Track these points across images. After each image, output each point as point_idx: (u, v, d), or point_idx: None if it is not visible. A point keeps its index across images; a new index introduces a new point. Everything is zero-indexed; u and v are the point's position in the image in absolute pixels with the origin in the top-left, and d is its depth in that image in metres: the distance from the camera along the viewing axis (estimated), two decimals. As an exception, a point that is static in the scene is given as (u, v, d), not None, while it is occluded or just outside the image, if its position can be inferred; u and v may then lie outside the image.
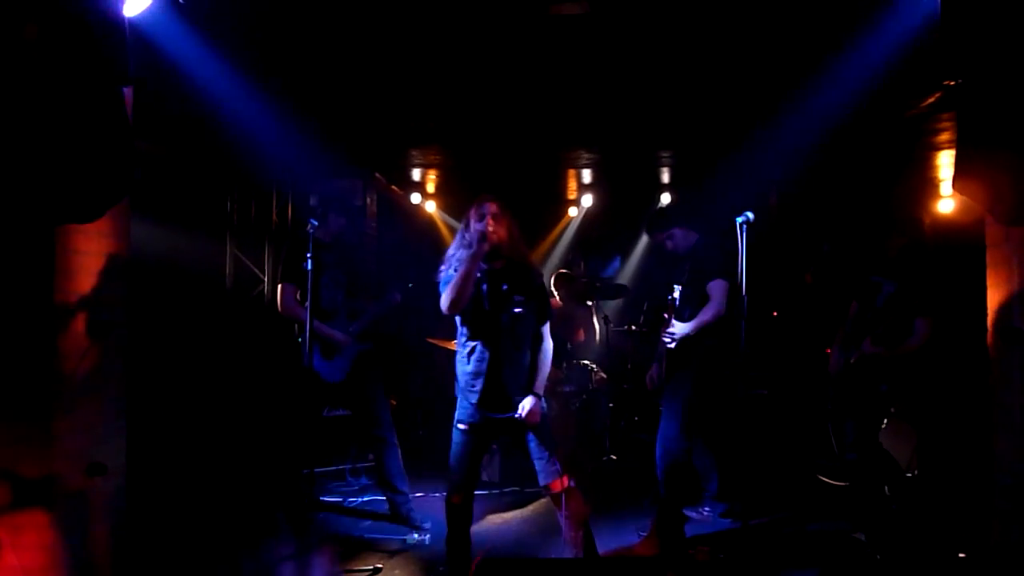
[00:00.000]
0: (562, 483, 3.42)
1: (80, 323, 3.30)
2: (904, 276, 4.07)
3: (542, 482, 3.45)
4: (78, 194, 2.90)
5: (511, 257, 3.45)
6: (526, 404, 3.38)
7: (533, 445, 3.44)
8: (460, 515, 3.54)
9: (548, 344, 3.56)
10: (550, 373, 3.60)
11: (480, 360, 3.42)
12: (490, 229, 3.31)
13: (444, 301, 3.37)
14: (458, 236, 3.48)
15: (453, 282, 3.33)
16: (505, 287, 3.43)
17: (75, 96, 2.88)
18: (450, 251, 3.50)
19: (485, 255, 3.33)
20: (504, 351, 3.41)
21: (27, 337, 3.11)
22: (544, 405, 3.49)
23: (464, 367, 3.47)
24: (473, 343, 3.45)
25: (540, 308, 3.51)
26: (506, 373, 3.41)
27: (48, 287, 3.12)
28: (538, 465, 3.44)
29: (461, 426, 3.50)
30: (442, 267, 3.48)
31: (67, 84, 2.86)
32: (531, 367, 3.49)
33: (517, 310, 3.42)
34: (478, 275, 3.38)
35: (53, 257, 3.13)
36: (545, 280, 3.59)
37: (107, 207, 3.07)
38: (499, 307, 3.42)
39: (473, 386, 3.43)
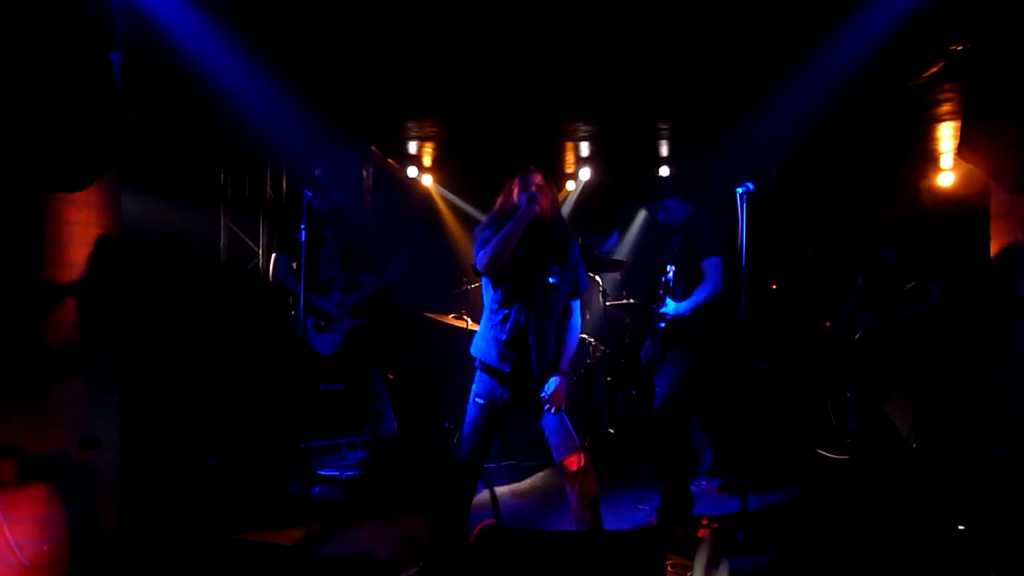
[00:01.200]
0: (579, 461, 3.36)
1: (70, 295, 3.25)
2: (909, 245, 4.05)
3: (558, 458, 3.39)
4: (66, 162, 2.85)
5: (551, 228, 3.42)
6: (552, 384, 3.35)
7: (550, 421, 3.39)
8: (465, 486, 3.47)
9: (576, 320, 3.52)
10: None
11: (515, 328, 3.35)
12: (540, 198, 3.31)
13: (484, 258, 3.31)
14: (498, 204, 3.48)
15: (497, 238, 3.27)
16: (542, 257, 3.39)
17: (61, 61, 2.81)
18: (485, 219, 3.48)
19: (530, 220, 3.30)
20: (536, 322, 3.36)
21: (16, 309, 3.08)
22: (566, 384, 3.43)
23: (498, 334, 3.38)
24: (506, 311, 3.37)
25: (573, 282, 3.47)
26: (535, 345, 3.36)
27: (37, 258, 3.08)
28: (554, 440, 3.39)
29: (479, 400, 3.44)
30: (478, 230, 3.46)
31: (53, 49, 2.80)
32: (558, 343, 3.44)
33: (551, 280, 3.38)
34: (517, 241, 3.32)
35: (42, 227, 3.09)
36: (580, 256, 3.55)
37: (96, 175, 3.02)
38: (535, 276, 3.37)
39: (507, 355, 3.35)
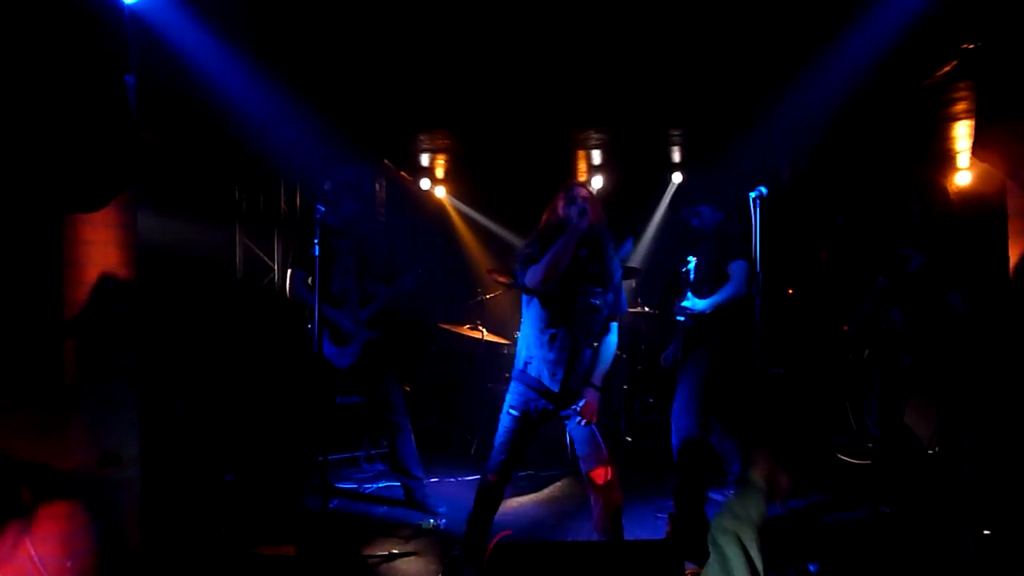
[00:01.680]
0: (606, 474, 3.38)
1: (90, 313, 3.29)
2: (933, 247, 4.00)
3: (585, 470, 3.42)
4: (82, 183, 2.88)
5: (599, 245, 3.42)
6: (585, 398, 3.40)
7: (580, 433, 3.44)
8: (492, 496, 3.52)
9: (613, 339, 3.53)
10: None
11: (564, 347, 3.36)
12: (589, 216, 3.30)
13: (537, 274, 3.28)
14: (543, 221, 3.47)
15: (550, 254, 3.25)
16: (587, 279, 3.41)
17: (77, 84, 2.85)
18: (531, 237, 3.48)
19: (580, 235, 3.28)
20: (577, 342, 3.39)
21: (37, 328, 3.11)
22: (599, 399, 3.46)
23: (545, 353, 3.39)
24: (555, 330, 3.38)
25: (615, 303, 3.48)
26: (575, 363, 3.40)
27: (56, 277, 3.11)
28: (582, 452, 3.44)
29: (513, 412, 3.46)
30: (522, 248, 3.46)
31: (69, 72, 2.84)
32: (592, 359, 3.46)
33: (595, 302, 3.40)
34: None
35: (60, 247, 3.12)
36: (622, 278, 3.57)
37: (112, 196, 3.05)
38: (578, 298, 3.38)
39: (555, 374, 3.37)
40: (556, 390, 3.39)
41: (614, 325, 3.54)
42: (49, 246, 3.11)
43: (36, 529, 3.10)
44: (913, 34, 4.13)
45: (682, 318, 4.25)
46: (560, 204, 3.41)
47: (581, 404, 3.40)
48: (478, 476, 5.56)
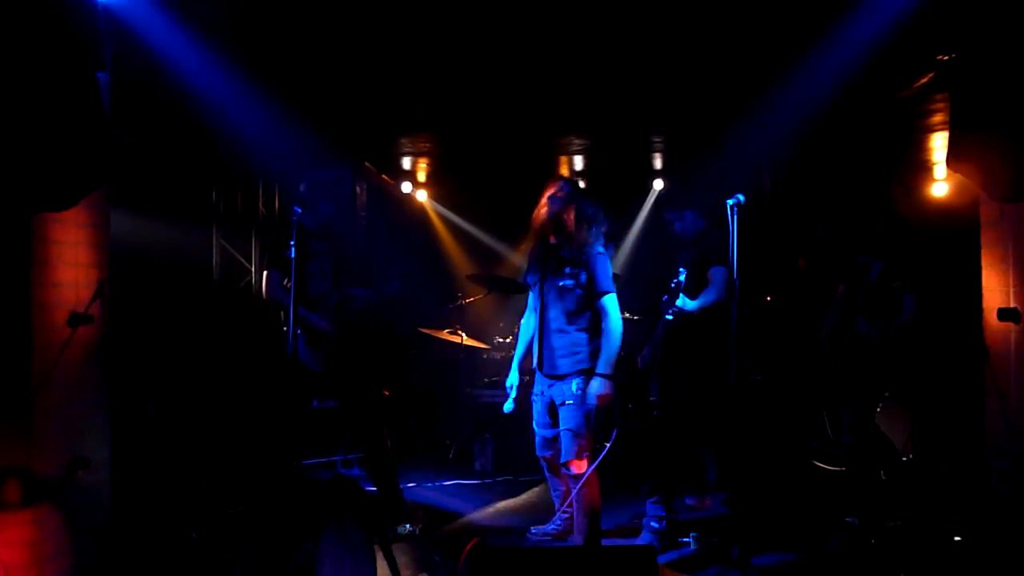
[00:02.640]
0: (580, 465, 3.53)
1: (59, 314, 3.24)
2: (889, 253, 4.11)
3: (563, 459, 3.58)
4: (52, 181, 2.85)
5: (568, 232, 3.61)
6: (592, 386, 3.54)
7: (565, 418, 3.57)
8: (551, 467, 3.87)
9: (611, 321, 3.59)
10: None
11: (540, 327, 3.71)
12: (541, 211, 3.65)
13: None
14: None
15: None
16: (558, 262, 3.66)
17: (48, 81, 2.81)
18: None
19: (539, 232, 3.68)
20: (551, 321, 3.65)
21: (3, 331, 3.05)
22: (607, 385, 3.55)
23: (528, 334, 3.87)
24: (536, 313, 3.77)
25: (591, 280, 3.60)
26: (553, 342, 3.63)
27: (24, 277, 3.06)
28: (563, 437, 3.59)
29: (534, 396, 3.82)
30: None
31: (40, 69, 2.80)
32: (593, 345, 3.61)
33: (565, 282, 3.61)
34: (540, 250, 3.77)
35: (29, 247, 3.07)
36: (605, 256, 3.75)
37: (83, 195, 3.01)
38: (551, 279, 3.66)
39: (533, 352, 3.74)
40: (534, 366, 3.73)
41: (606, 305, 3.60)
42: (17, 245, 3.05)
43: (2, 534, 3.04)
44: (890, 45, 4.17)
45: (670, 317, 4.23)
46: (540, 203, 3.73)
47: (586, 393, 3.54)
48: (456, 481, 5.58)
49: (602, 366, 3.55)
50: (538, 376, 3.78)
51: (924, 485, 4.71)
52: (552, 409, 3.73)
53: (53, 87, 2.77)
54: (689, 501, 4.76)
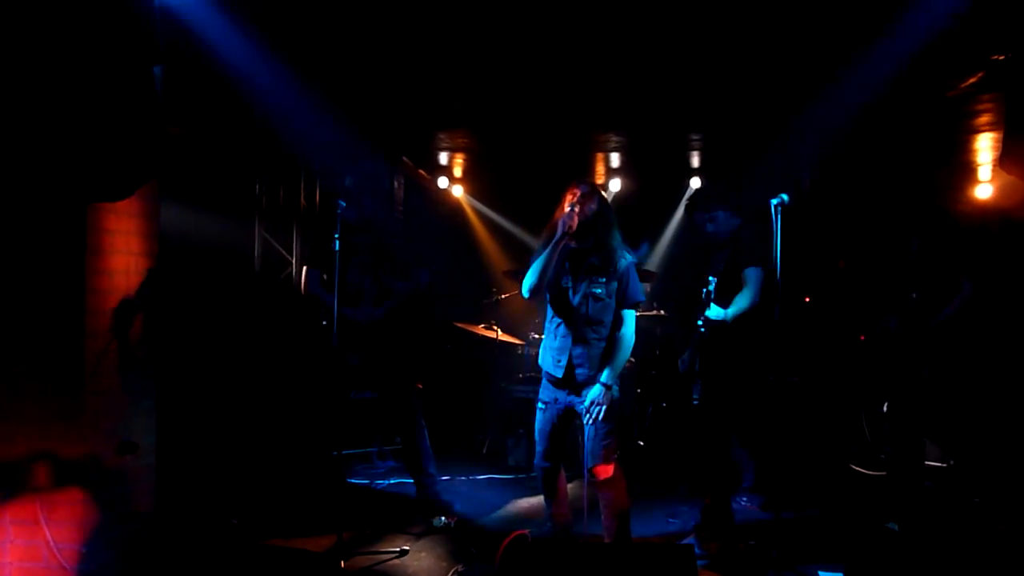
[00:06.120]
0: (606, 471, 3.46)
1: (111, 302, 3.32)
2: (927, 231, 4.01)
3: (588, 465, 3.49)
4: (109, 172, 2.92)
5: (598, 238, 3.50)
6: (591, 394, 3.45)
7: (589, 429, 3.49)
8: (550, 478, 3.76)
9: (627, 331, 3.54)
10: None
11: (565, 336, 3.53)
12: (573, 216, 3.40)
13: (526, 285, 3.48)
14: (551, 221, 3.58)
15: (534, 267, 3.46)
16: (588, 270, 3.52)
17: (106, 74, 2.88)
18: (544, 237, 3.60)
19: (568, 238, 3.42)
20: (581, 332, 3.50)
21: (59, 316, 3.14)
22: (615, 393, 3.49)
23: (552, 342, 3.61)
24: (558, 320, 3.58)
25: (621, 292, 3.53)
26: (579, 354, 3.51)
27: (79, 264, 3.14)
28: (587, 447, 3.50)
29: (541, 405, 3.68)
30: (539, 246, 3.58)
31: (100, 62, 2.87)
32: (606, 353, 3.52)
33: (596, 290, 3.49)
34: (564, 255, 3.51)
35: (84, 236, 3.15)
36: (632, 266, 3.63)
37: (137, 185, 3.09)
38: (579, 288, 3.52)
39: (559, 361, 3.54)
40: (560, 376, 3.54)
41: (628, 315, 3.56)
42: (73, 234, 3.14)
43: (52, 514, 3.13)
44: (940, 45, 4.09)
45: (704, 329, 4.18)
46: (563, 205, 3.50)
47: (587, 401, 3.45)
48: (489, 475, 5.59)
49: (607, 376, 3.46)
50: (552, 385, 3.63)
51: (966, 492, 4.63)
52: (564, 418, 3.63)
53: (111, 80, 2.84)
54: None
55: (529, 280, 3.46)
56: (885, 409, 4.37)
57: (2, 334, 3.10)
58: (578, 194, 3.47)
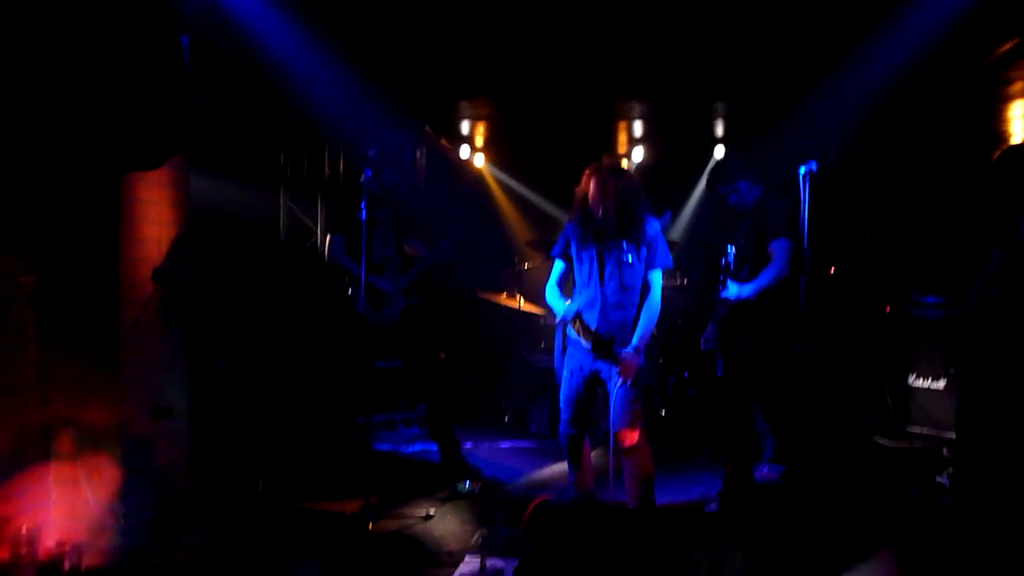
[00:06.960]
0: (632, 436, 3.50)
1: (144, 270, 3.38)
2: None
3: (613, 430, 3.52)
4: (141, 142, 2.96)
5: (622, 208, 3.51)
6: (623, 358, 3.48)
7: (617, 393, 3.52)
8: (575, 446, 3.80)
9: (654, 295, 3.58)
10: None
11: (594, 299, 3.57)
12: (589, 195, 3.51)
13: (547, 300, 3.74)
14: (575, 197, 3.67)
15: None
16: (616, 236, 3.55)
17: (137, 45, 2.91)
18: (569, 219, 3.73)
19: (588, 218, 3.54)
20: (611, 298, 3.55)
21: (95, 285, 3.21)
22: (641, 360, 3.52)
23: (581, 308, 3.63)
24: (587, 288, 3.62)
25: (650, 257, 3.58)
26: (610, 316, 3.54)
27: (113, 234, 3.20)
28: (613, 414, 3.53)
29: (568, 371, 3.70)
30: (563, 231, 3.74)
31: (129, 34, 2.90)
32: (635, 319, 3.56)
33: (626, 257, 3.54)
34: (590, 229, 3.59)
35: (118, 205, 3.20)
36: (660, 232, 3.67)
37: (169, 155, 3.13)
38: (610, 255, 3.56)
39: (589, 329, 3.57)
40: (588, 345, 3.56)
41: (655, 278, 3.60)
42: (107, 202, 3.19)
43: (91, 475, 3.23)
44: (976, 8, 4.00)
45: (724, 310, 4.17)
46: (581, 184, 3.59)
47: (620, 365, 3.49)
48: (512, 443, 5.66)
49: (637, 338, 3.50)
50: (580, 350, 3.65)
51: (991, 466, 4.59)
52: (590, 386, 3.67)
53: (141, 51, 2.87)
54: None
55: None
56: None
57: (42, 304, 3.17)
58: (591, 172, 3.54)
